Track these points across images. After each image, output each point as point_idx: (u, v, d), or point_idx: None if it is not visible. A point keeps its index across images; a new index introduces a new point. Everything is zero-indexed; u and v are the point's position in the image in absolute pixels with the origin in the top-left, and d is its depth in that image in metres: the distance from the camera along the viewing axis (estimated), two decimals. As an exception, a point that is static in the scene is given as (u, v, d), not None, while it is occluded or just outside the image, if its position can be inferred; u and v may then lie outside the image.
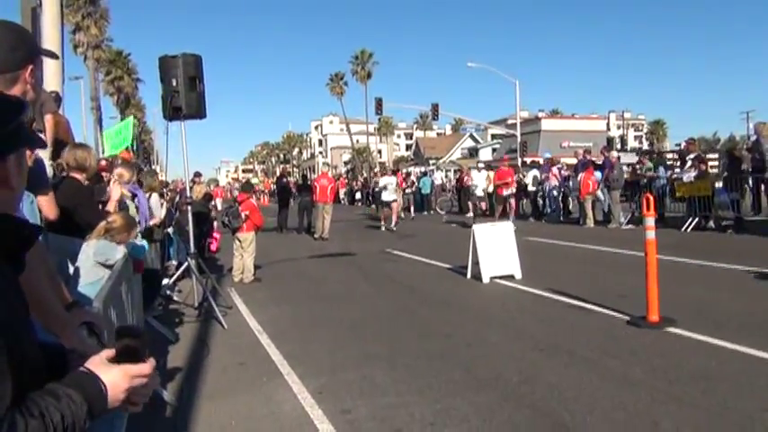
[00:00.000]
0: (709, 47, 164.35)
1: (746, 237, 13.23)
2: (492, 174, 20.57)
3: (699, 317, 6.48)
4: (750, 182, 14.60)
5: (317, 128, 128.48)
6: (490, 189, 20.24)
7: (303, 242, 17.13)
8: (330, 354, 5.98)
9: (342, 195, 41.62)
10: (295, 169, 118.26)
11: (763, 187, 14.04)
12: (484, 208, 21.58)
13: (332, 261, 12.89)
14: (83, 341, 1.86)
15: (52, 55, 2.17)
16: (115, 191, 5.28)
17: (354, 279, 10.53)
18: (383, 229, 19.51)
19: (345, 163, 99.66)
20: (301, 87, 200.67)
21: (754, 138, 15.00)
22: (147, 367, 1.31)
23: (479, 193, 20.94)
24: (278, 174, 37.34)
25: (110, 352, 1.31)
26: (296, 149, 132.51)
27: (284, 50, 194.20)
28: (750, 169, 14.48)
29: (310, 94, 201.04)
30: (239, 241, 10.45)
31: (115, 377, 1.25)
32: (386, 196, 19.76)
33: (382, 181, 21.02)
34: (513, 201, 18.62)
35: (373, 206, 29.05)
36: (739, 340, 5.51)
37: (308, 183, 21.10)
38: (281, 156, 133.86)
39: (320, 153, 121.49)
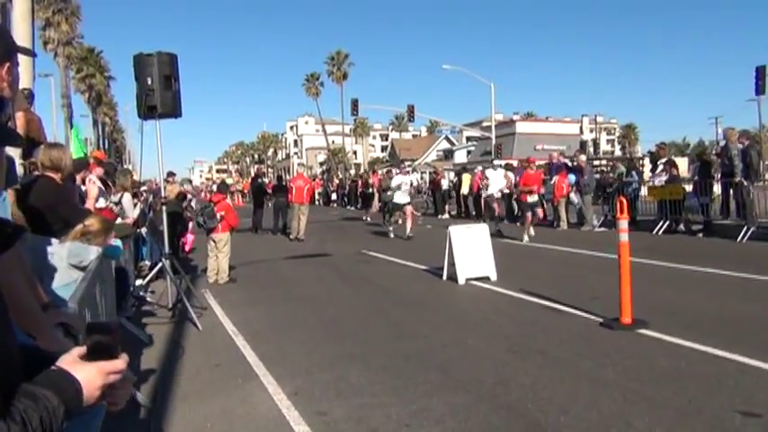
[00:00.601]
0: (679, 53, 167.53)
1: (715, 240, 13.53)
2: (511, 174, 19.21)
3: (670, 319, 6.60)
4: (719, 186, 14.90)
5: (292, 128, 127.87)
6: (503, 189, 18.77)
7: (278, 243, 17.05)
8: (306, 355, 5.96)
9: (317, 196, 41.49)
10: (270, 170, 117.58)
11: (731, 192, 14.34)
12: (497, 212, 18.16)
13: (308, 262, 12.84)
14: (59, 342, 1.84)
15: (28, 52, 2.14)
16: (92, 189, 5.21)
17: (330, 280, 10.51)
18: (392, 236, 17.16)
19: (321, 164, 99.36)
20: (277, 87, 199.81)
21: (723, 143, 15.32)
22: (120, 363, 1.29)
23: (496, 194, 18.18)
24: (253, 174, 37.09)
25: (81, 349, 1.28)
26: (271, 150, 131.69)
27: (259, 50, 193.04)
28: (720, 174, 14.79)
29: (286, 95, 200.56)
30: (214, 242, 10.36)
31: (89, 375, 1.23)
32: (399, 198, 17.19)
33: (395, 180, 17.96)
34: (539, 210, 16.06)
35: (372, 209, 26.57)
36: (709, 341, 5.63)
37: (284, 183, 20.98)
38: (256, 156, 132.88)
39: (295, 153, 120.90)
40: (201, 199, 20.53)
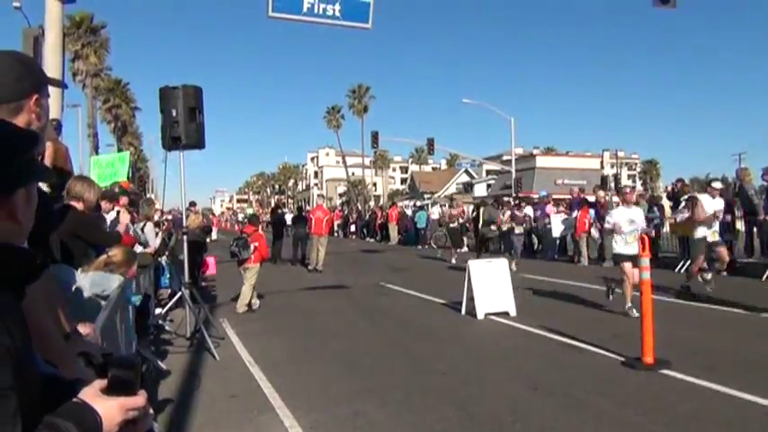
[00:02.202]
0: (701, 88, 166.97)
1: (739, 278, 13.27)
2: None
3: (693, 359, 6.47)
4: (743, 225, 14.70)
5: (312, 159, 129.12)
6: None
7: (297, 274, 17.07)
8: (323, 388, 5.92)
9: (336, 227, 41.61)
10: (290, 200, 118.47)
11: (755, 230, 14.13)
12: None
13: (326, 293, 12.83)
14: (80, 372, 1.85)
15: (58, 83, 2.18)
16: (123, 216, 5.30)
17: (348, 312, 10.48)
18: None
19: (340, 195, 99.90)
20: (298, 119, 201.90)
21: (738, 183, 15.18)
22: (140, 400, 1.30)
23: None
24: (273, 204, 37.34)
25: (102, 383, 1.29)
26: (291, 180, 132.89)
27: (282, 82, 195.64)
28: (742, 213, 14.61)
29: (307, 126, 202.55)
30: (245, 272, 10.54)
31: (110, 409, 1.24)
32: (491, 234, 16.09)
33: (488, 214, 16.22)
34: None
35: (441, 240, 23.47)
36: (731, 383, 5.50)
37: (304, 214, 21.09)
38: (277, 186, 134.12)
39: (315, 185, 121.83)
40: (222, 228, 20.66)
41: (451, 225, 20.42)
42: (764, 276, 12.73)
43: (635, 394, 5.41)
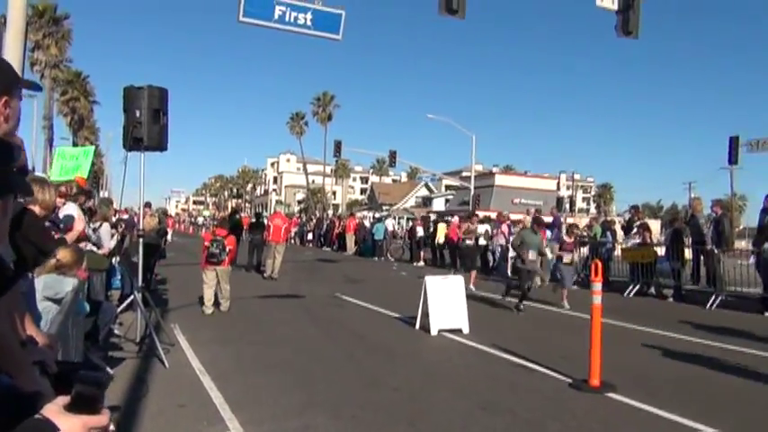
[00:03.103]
0: (657, 117, 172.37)
1: (685, 305, 13.72)
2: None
3: (638, 383, 6.66)
4: (691, 252, 15.21)
5: (273, 165, 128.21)
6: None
7: (252, 280, 16.88)
8: (274, 399, 5.89)
9: (293, 235, 41.32)
10: (247, 204, 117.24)
11: (702, 258, 14.64)
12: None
13: (281, 302, 12.74)
14: (37, 382, 1.82)
15: (34, 86, 2.13)
16: (78, 224, 5.17)
17: (302, 322, 10.44)
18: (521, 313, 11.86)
19: (299, 202, 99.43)
20: (261, 123, 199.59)
21: (690, 212, 15.74)
22: (104, 419, 1.28)
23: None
24: (230, 208, 36.87)
25: (65, 399, 1.27)
26: (250, 185, 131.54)
27: (246, 86, 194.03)
28: (691, 240, 15.13)
29: (269, 131, 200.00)
30: (219, 274, 10.90)
31: (72, 427, 1.21)
32: (532, 257, 11.95)
33: (523, 239, 12.25)
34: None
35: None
36: (673, 408, 5.68)
37: (262, 220, 20.89)
38: (235, 190, 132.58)
39: (274, 190, 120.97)
40: (177, 230, 20.31)
41: (468, 242, 17.56)
42: (708, 304, 13.17)
43: (581, 417, 5.54)
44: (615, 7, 12.50)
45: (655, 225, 39.11)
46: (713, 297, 13.33)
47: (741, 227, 63.82)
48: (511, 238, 18.18)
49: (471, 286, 14.89)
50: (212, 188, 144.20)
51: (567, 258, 13.59)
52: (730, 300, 13.45)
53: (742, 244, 26.21)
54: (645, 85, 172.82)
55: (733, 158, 26.71)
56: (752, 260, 14.16)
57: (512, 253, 15.26)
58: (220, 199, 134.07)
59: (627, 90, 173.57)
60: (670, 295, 14.79)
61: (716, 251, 13.95)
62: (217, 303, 11.04)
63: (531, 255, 11.85)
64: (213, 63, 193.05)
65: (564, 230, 15.77)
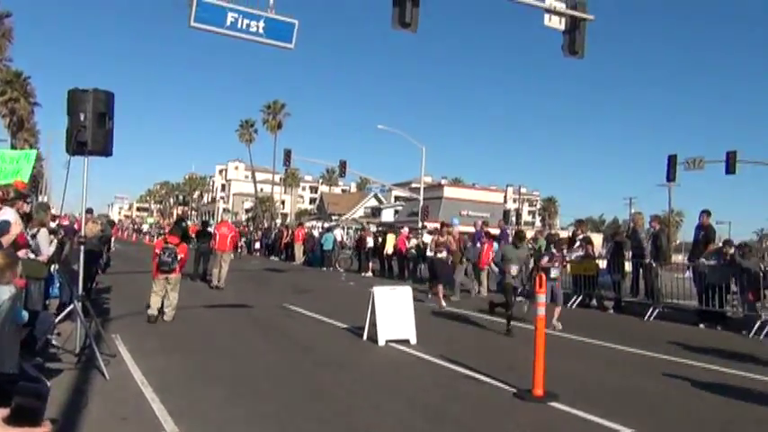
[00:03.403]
0: (600, 133, 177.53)
1: (625, 317, 14.17)
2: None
3: (579, 392, 6.83)
4: (631, 265, 15.72)
5: (221, 172, 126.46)
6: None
7: (198, 290, 16.56)
8: (219, 411, 5.79)
9: (241, 244, 40.76)
10: (194, 212, 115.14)
11: (641, 272, 15.14)
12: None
13: (227, 312, 12.54)
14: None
15: None
16: (15, 229, 4.99)
17: (249, 333, 10.31)
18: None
19: (247, 211, 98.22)
20: (209, 130, 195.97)
21: (632, 226, 16.28)
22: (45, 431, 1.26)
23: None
24: (176, 216, 36.13)
25: (4, 411, 1.25)
26: (197, 192, 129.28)
27: (195, 92, 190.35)
28: (631, 254, 15.64)
29: (217, 138, 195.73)
30: (169, 282, 10.75)
31: None
32: (514, 272, 11.49)
33: (504, 254, 12.00)
34: None
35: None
36: (613, 417, 5.85)
37: (208, 229, 20.54)
38: (181, 197, 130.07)
39: (222, 198, 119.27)
40: (119, 238, 19.77)
41: (438, 255, 15.59)
42: (646, 316, 13.62)
43: (524, 426, 5.66)
44: (562, 27, 12.84)
45: (597, 239, 40.32)
46: (651, 309, 13.80)
47: (678, 242, 66.46)
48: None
49: (443, 303, 14.50)
50: (157, 195, 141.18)
51: (554, 273, 11.91)
52: (667, 311, 13.94)
53: (679, 258, 27.31)
54: (589, 104, 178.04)
55: (671, 176, 27.75)
56: (688, 274, 14.73)
57: (495, 268, 15.45)
58: (165, 206, 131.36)
59: (572, 108, 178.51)
60: (611, 307, 15.24)
61: (654, 265, 14.47)
62: (161, 312, 10.81)
63: (514, 270, 11.43)
64: (162, 68, 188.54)
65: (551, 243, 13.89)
